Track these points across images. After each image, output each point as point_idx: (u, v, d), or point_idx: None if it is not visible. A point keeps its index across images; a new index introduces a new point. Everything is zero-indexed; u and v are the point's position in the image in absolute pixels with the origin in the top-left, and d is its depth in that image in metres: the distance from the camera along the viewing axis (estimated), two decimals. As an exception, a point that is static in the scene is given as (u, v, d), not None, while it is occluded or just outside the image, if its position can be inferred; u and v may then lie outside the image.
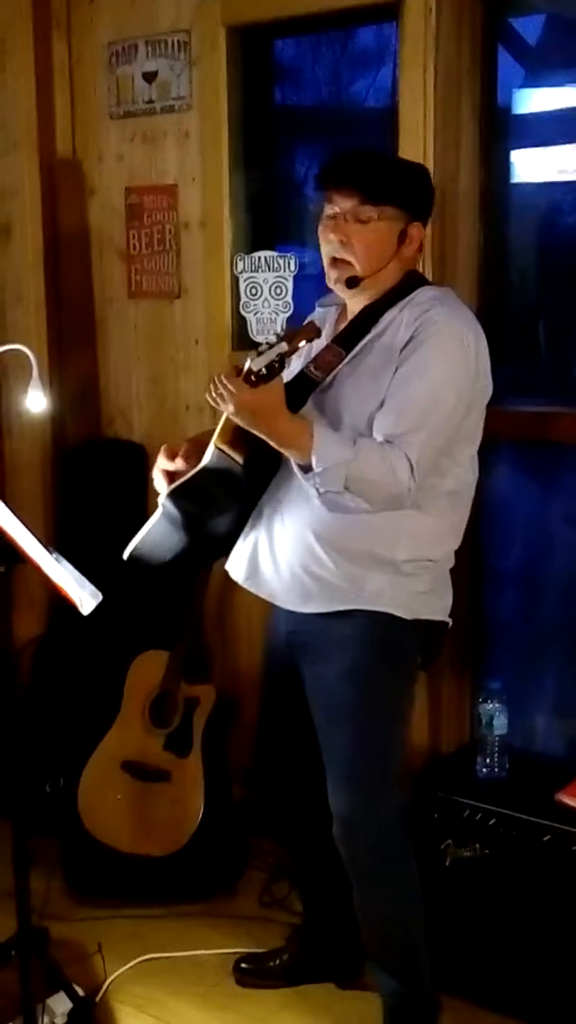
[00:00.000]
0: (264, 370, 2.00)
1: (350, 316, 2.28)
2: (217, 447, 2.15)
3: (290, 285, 3.14)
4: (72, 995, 2.46)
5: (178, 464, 2.27)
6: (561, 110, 2.90)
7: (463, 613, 3.03)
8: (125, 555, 2.32)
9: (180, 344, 3.39)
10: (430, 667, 2.38)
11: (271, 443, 2.09)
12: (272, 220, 3.36)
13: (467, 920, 2.55)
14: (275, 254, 3.16)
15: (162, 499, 2.25)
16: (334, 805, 2.30)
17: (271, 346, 2.00)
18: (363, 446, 2.07)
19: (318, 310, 2.42)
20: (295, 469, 2.13)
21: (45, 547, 2.26)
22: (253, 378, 2.01)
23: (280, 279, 3.16)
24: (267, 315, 3.19)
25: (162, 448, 2.33)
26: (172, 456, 2.29)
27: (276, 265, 3.16)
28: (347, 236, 2.18)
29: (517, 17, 2.92)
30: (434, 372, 2.12)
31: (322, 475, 2.05)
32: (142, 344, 3.48)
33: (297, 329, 2.10)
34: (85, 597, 2.20)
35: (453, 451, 2.20)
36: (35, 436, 3.50)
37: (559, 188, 2.93)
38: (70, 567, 2.27)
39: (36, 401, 2.63)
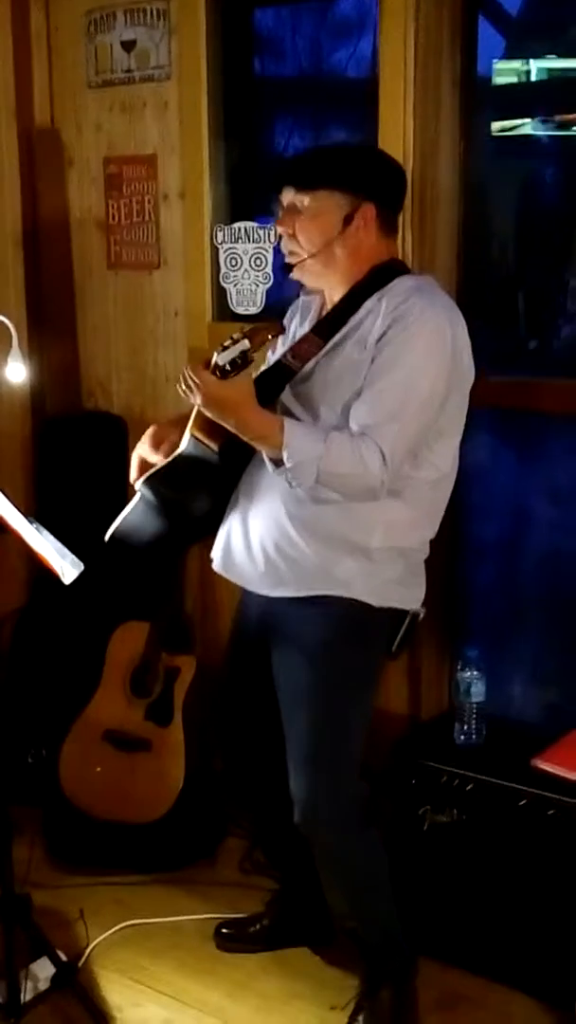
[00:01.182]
0: (228, 366, 2.00)
1: (330, 306, 2.28)
2: (192, 435, 2.16)
3: (270, 256, 3.13)
4: (55, 960, 2.49)
5: (160, 456, 2.28)
6: (542, 81, 2.90)
7: (442, 582, 3.06)
8: (106, 537, 2.32)
9: (160, 316, 3.38)
10: (398, 656, 2.37)
11: (241, 437, 2.10)
12: (252, 191, 3.34)
13: (444, 884, 2.59)
14: (255, 225, 3.15)
15: (139, 485, 2.26)
16: (294, 789, 2.29)
17: (235, 342, 2.01)
18: (334, 440, 2.07)
19: (302, 298, 2.40)
20: (267, 464, 2.14)
21: (26, 517, 2.27)
22: (218, 372, 2.01)
23: (260, 250, 3.16)
24: (247, 286, 3.19)
25: (147, 434, 2.32)
26: (157, 445, 2.30)
27: (256, 236, 3.15)
28: (290, 227, 2.21)
29: (497, -13, 2.91)
30: (409, 363, 2.11)
31: (293, 470, 2.07)
32: (121, 316, 3.47)
33: (261, 326, 2.10)
34: (66, 567, 2.21)
35: (431, 441, 2.20)
36: (15, 409, 3.49)
37: (540, 159, 2.94)
38: (51, 537, 2.28)
39: (16, 372, 2.63)
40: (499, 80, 2.92)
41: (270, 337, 2.12)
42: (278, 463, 2.09)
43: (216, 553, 2.37)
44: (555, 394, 2.81)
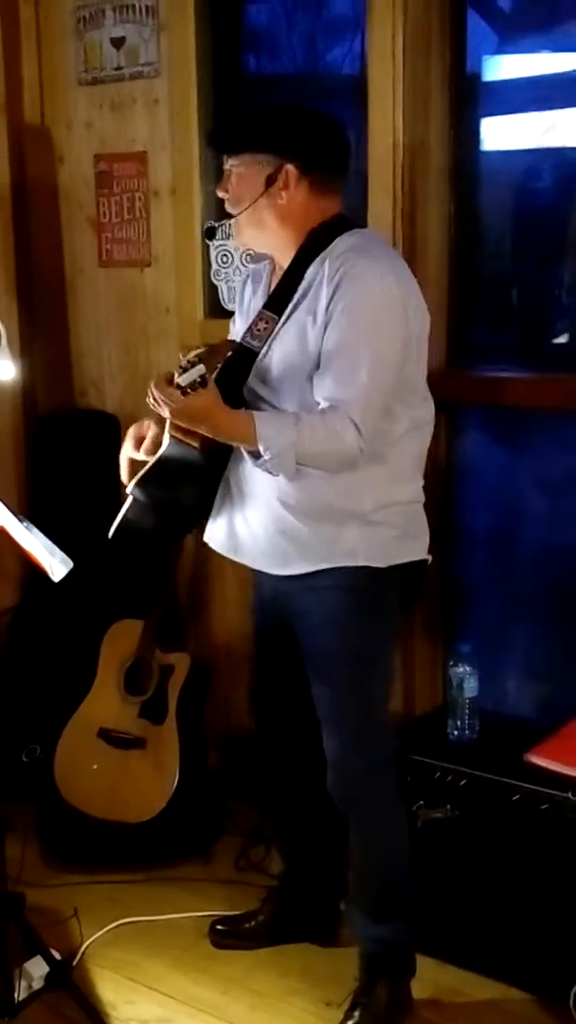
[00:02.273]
0: (189, 388, 2.04)
1: (278, 273, 2.30)
2: (172, 436, 2.19)
3: (261, 253, 3.13)
4: (49, 959, 2.48)
5: (143, 453, 2.31)
6: (533, 77, 2.89)
7: (434, 577, 3.05)
8: (109, 534, 2.33)
9: (151, 313, 3.38)
10: (413, 605, 2.42)
11: (217, 439, 2.14)
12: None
13: (438, 880, 2.58)
14: (246, 221, 3.14)
15: (130, 489, 2.29)
16: (328, 750, 2.35)
17: (192, 364, 2.05)
18: (305, 422, 2.09)
19: (251, 266, 2.46)
20: (247, 457, 2.18)
21: (15, 515, 2.27)
22: (181, 392, 2.05)
23: (251, 247, 3.15)
24: (238, 283, 3.17)
25: (128, 435, 2.35)
26: (138, 444, 2.33)
27: (247, 233, 3.14)
28: (224, 190, 2.27)
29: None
30: (363, 327, 2.12)
31: (272, 461, 2.10)
32: (113, 313, 3.47)
33: (214, 349, 2.16)
34: (55, 564, 2.21)
35: (403, 394, 2.22)
36: (6, 407, 3.48)
37: (531, 155, 2.93)
38: (40, 535, 2.27)
39: (5, 369, 2.62)
40: (490, 76, 2.92)
41: (227, 355, 2.19)
42: (257, 455, 2.12)
43: (219, 539, 2.39)
44: (549, 389, 2.80)
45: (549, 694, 2.96)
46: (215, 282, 3.23)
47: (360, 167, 2.92)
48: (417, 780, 2.59)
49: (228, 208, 2.27)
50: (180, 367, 2.07)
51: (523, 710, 2.98)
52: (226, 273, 3.20)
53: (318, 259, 2.20)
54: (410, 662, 3.02)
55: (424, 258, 2.87)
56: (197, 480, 2.29)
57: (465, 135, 2.89)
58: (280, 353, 2.22)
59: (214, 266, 3.21)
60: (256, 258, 2.41)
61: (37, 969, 2.50)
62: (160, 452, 2.22)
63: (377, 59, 2.80)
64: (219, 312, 3.21)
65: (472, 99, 2.88)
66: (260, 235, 2.27)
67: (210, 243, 3.19)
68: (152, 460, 2.25)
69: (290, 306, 2.22)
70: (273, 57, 3.44)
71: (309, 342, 2.16)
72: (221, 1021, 2.47)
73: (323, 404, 2.12)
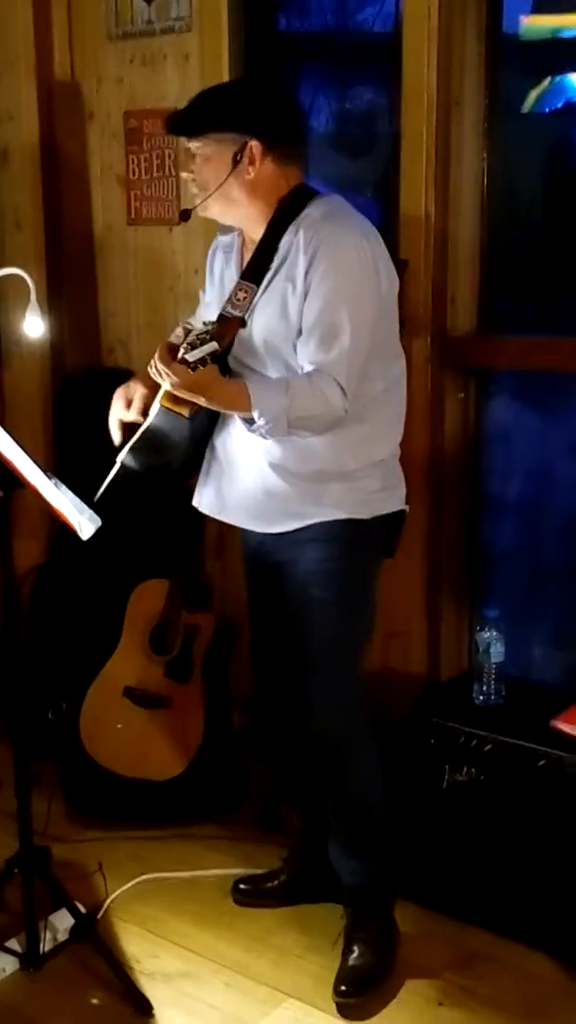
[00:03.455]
0: (198, 364, 2.09)
1: (250, 244, 2.34)
2: (163, 406, 2.24)
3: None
4: (74, 911, 2.51)
5: (134, 413, 2.38)
6: (569, 36, 2.84)
7: (462, 542, 3.05)
8: (95, 499, 2.37)
9: (180, 272, 3.35)
10: (394, 553, 2.48)
11: (211, 408, 2.24)
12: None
13: (462, 844, 2.59)
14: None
15: (122, 456, 2.34)
16: (306, 696, 2.41)
17: (202, 342, 2.09)
18: (295, 387, 2.17)
19: (220, 238, 2.50)
20: (240, 423, 2.26)
21: (44, 473, 2.27)
22: (190, 368, 2.09)
23: (281, 206, 3.11)
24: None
25: (116, 396, 2.42)
26: (128, 404, 2.40)
27: (277, 192, 3.11)
28: (189, 172, 2.31)
29: None
30: (341, 291, 2.18)
31: (265, 426, 2.18)
32: (141, 272, 3.45)
33: (223, 325, 2.18)
34: (84, 522, 2.21)
35: (376, 353, 2.28)
36: (35, 365, 3.48)
37: (567, 118, 2.88)
38: (69, 493, 2.28)
39: (34, 326, 2.61)
40: (526, 36, 2.87)
41: (235, 332, 2.23)
42: (250, 421, 2.20)
43: (204, 498, 2.48)
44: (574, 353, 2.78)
45: (575, 660, 2.95)
46: (244, 242, 3.20)
47: (392, 128, 2.89)
48: (442, 744, 2.60)
49: (193, 189, 2.30)
50: (187, 343, 2.11)
51: (549, 676, 2.98)
52: (256, 233, 3.17)
53: (291, 228, 2.25)
54: (436, 627, 3.02)
55: (456, 220, 2.84)
56: (185, 443, 2.33)
57: (500, 95, 2.85)
58: (262, 322, 2.26)
59: (243, 226, 3.18)
60: (224, 230, 2.47)
61: (62, 921, 2.54)
62: (149, 421, 2.29)
63: (412, 17, 2.76)
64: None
65: (507, 58, 2.84)
66: (230, 210, 2.32)
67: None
68: (140, 429, 2.31)
69: (268, 275, 2.26)
70: (304, 15, 3.40)
71: (290, 310, 2.22)
72: (244, 977, 2.50)
73: (308, 368, 2.20)
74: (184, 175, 2.34)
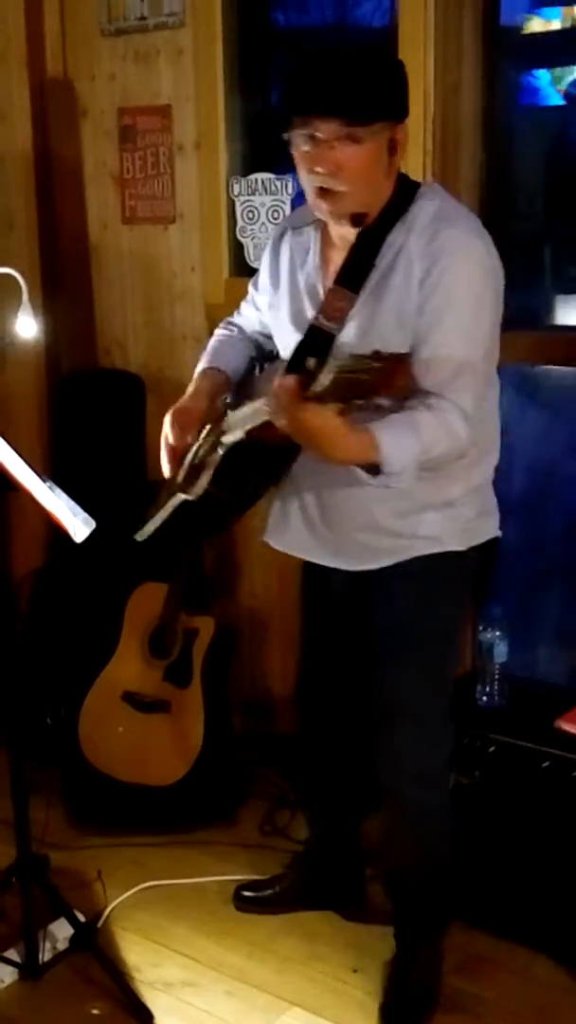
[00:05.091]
0: (331, 386, 1.65)
1: (337, 241, 2.09)
2: (249, 433, 1.95)
3: (288, 209, 3.06)
4: (73, 921, 2.47)
5: (191, 438, 2.12)
6: (567, 29, 2.80)
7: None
8: (139, 537, 2.19)
9: (176, 271, 3.32)
10: (483, 599, 2.38)
11: (323, 458, 1.89)
12: (270, 142, 3.27)
13: (466, 846, 2.55)
14: (272, 177, 3.08)
15: (197, 491, 2.05)
16: (385, 742, 2.26)
17: (351, 384, 1.64)
18: (424, 427, 1.91)
19: (290, 237, 2.19)
20: (360, 474, 1.96)
21: (38, 475, 2.24)
22: (318, 393, 1.69)
23: (277, 203, 3.09)
24: (264, 240, 3.11)
25: (168, 422, 2.16)
26: (185, 429, 2.13)
27: (273, 188, 3.08)
28: (336, 164, 1.93)
29: None
30: (464, 307, 1.96)
31: (393, 476, 1.91)
32: (137, 271, 3.41)
33: (389, 366, 1.67)
34: (78, 525, 2.18)
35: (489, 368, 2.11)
36: (30, 366, 3.45)
37: (566, 110, 2.85)
38: (64, 495, 2.24)
39: (26, 326, 2.57)
40: (525, 28, 2.83)
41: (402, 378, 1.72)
42: (374, 471, 1.92)
43: (286, 538, 2.28)
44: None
45: (580, 660, 2.92)
46: (240, 239, 3.17)
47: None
48: (445, 746, 2.57)
49: (337, 187, 1.95)
50: (343, 368, 1.66)
51: (553, 677, 2.94)
52: (252, 230, 3.14)
53: (398, 227, 2.00)
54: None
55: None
56: (257, 478, 2.15)
57: (498, 88, 2.81)
58: (365, 336, 2.00)
59: (240, 223, 3.15)
60: (297, 222, 2.19)
61: (61, 931, 2.50)
62: (222, 452, 2.01)
63: (408, 10, 2.73)
64: (245, 270, 3.16)
65: (505, 51, 2.80)
66: (372, 205, 2.01)
67: (235, 199, 3.13)
68: (213, 465, 2.02)
69: (371, 284, 2.01)
70: (301, 10, 3.37)
71: (402, 325, 1.98)
72: (247, 985, 2.46)
73: (430, 392, 1.94)
74: (321, 169, 1.93)
